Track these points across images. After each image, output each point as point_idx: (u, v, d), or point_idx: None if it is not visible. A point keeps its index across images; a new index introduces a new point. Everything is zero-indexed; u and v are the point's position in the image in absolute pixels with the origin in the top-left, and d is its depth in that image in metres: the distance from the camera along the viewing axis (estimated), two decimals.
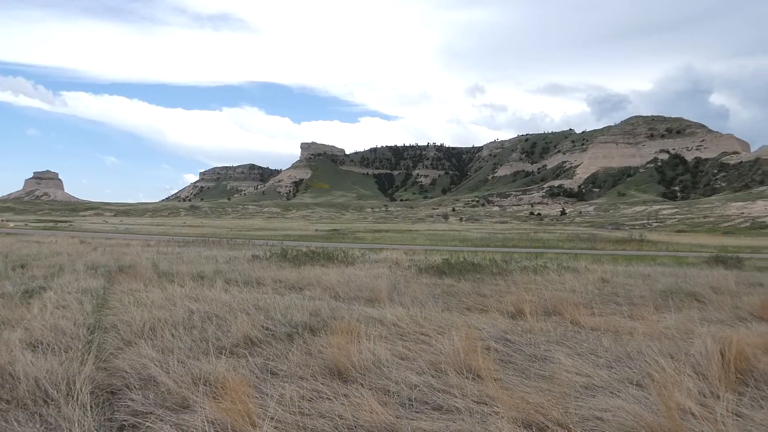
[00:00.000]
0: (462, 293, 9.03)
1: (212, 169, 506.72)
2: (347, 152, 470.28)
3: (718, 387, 3.41)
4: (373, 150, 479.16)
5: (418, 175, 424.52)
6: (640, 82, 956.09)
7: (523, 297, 7.72)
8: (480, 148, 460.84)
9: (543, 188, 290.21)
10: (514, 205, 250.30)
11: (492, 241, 40.58)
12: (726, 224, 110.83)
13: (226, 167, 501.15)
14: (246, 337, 5.20)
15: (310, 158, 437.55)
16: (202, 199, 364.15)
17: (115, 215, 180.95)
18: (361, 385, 3.80)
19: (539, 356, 4.79)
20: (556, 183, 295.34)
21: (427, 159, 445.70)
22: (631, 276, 11.41)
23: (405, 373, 4.04)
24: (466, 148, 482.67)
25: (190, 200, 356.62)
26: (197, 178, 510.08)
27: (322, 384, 3.80)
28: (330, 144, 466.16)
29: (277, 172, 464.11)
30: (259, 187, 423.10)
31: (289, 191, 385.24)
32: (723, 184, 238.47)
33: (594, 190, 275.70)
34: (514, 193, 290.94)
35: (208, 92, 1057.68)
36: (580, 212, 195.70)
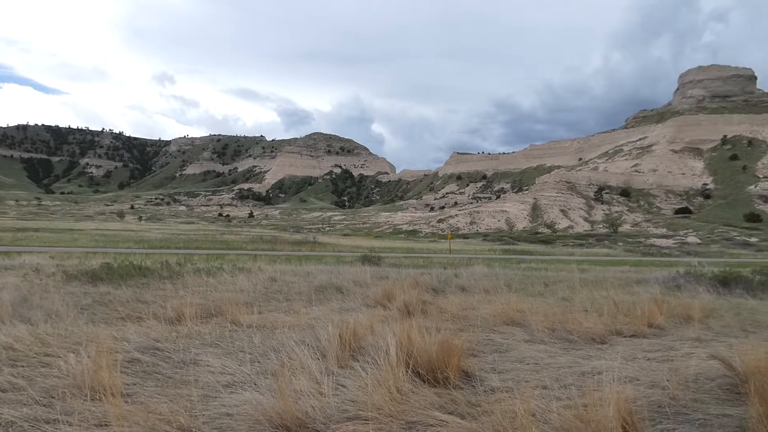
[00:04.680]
0: (118, 301, 8.05)
1: None
2: None
3: (333, 365, 4.07)
4: (23, 127, 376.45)
5: (88, 164, 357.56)
6: (322, 103, 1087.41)
7: (187, 301, 7.45)
8: (168, 143, 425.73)
9: (233, 190, 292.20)
10: (203, 206, 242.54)
11: (174, 243, 37.97)
12: (377, 230, 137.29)
13: None
14: None
15: None
16: None
17: None
18: None
19: (189, 361, 4.67)
20: (246, 186, 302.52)
21: (101, 147, 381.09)
22: (297, 274, 12.63)
23: (2, 410, 3.21)
24: (151, 140, 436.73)
25: None
26: None
27: None
28: None
29: None
30: None
31: None
32: (378, 197, 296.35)
33: (280, 195, 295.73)
34: (203, 193, 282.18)
35: None
36: (267, 215, 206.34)
